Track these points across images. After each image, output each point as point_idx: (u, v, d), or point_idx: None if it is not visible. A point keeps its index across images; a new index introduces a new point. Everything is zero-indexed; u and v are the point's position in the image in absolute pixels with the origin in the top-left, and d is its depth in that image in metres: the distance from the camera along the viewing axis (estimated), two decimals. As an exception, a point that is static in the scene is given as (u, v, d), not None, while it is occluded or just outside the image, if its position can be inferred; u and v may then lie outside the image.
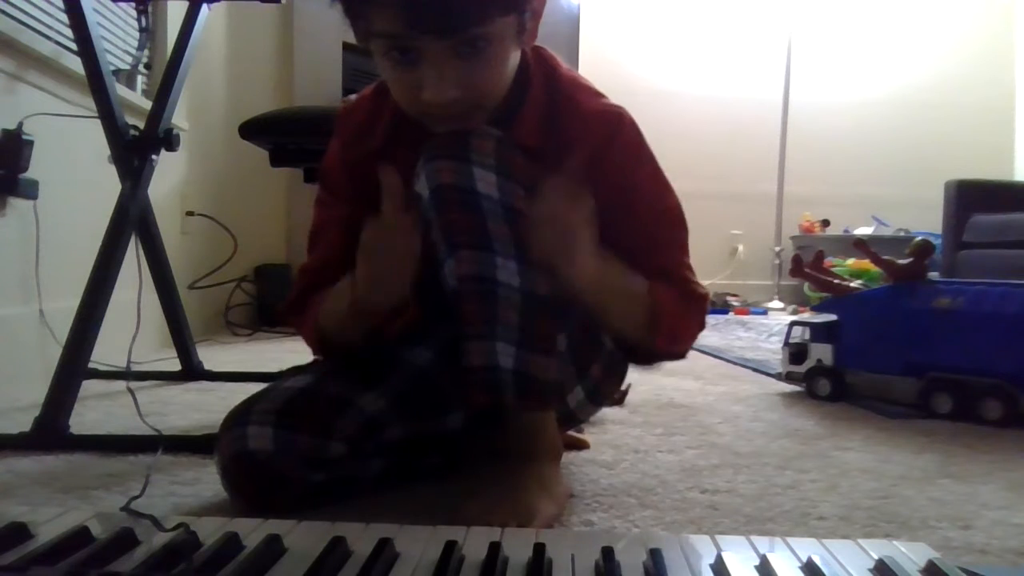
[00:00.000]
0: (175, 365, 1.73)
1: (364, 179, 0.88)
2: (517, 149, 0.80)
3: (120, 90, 1.57)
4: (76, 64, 1.47)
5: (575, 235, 0.77)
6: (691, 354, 0.85)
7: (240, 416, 0.84)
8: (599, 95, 0.88)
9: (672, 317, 0.87)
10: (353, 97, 0.96)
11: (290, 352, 1.88)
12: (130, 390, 0.97)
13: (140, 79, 2.08)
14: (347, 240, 0.90)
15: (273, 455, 0.81)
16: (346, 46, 2.98)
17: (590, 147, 0.83)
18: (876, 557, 0.55)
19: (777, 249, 4.36)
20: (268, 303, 2.89)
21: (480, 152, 0.76)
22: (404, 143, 0.82)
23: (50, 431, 1.13)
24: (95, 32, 1.34)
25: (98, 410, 1.36)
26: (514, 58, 0.79)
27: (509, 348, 0.77)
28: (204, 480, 0.95)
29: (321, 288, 0.92)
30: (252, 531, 0.58)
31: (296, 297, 0.95)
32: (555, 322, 0.82)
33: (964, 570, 0.53)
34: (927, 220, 3.71)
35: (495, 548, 0.55)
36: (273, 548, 0.55)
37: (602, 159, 0.84)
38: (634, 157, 0.86)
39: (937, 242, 2.67)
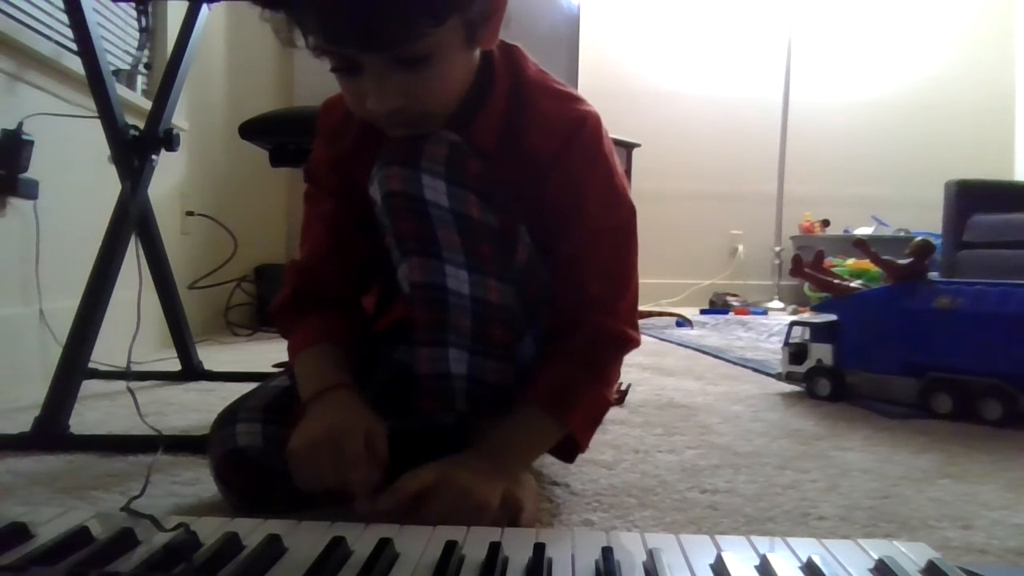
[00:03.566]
0: (175, 365, 1.73)
1: (345, 176, 0.89)
2: (473, 154, 0.78)
3: (120, 90, 1.57)
4: (76, 64, 1.47)
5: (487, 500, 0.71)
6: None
7: (229, 416, 0.85)
8: (567, 99, 0.85)
9: (589, 410, 0.84)
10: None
11: (290, 352, 1.87)
12: (130, 390, 0.97)
13: (140, 79, 2.08)
14: (334, 235, 0.90)
15: (263, 451, 0.81)
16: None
17: (544, 155, 0.82)
18: (876, 557, 0.55)
19: (777, 249, 4.37)
20: (268, 303, 2.88)
21: (431, 159, 0.75)
22: (374, 146, 0.81)
23: (50, 431, 1.13)
24: (95, 32, 1.34)
25: (98, 410, 1.36)
26: (465, 64, 0.77)
27: (462, 354, 0.77)
28: (204, 480, 0.94)
29: (312, 289, 0.91)
30: (252, 531, 0.58)
31: (288, 300, 0.93)
32: (512, 329, 0.81)
33: (964, 570, 0.53)
34: (927, 220, 3.72)
35: (495, 548, 0.55)
36: (273, 548, 0.55)
37: (556, 164, 0.82)
38: (588, 163, 0.83)
39: (937, 242, 2.67)
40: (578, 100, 0.86)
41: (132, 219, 1.34)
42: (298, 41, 0.72)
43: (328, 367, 0.83)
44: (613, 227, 0.86)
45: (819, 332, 1.60)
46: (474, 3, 0.70)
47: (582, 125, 0.83)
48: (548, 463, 1.04)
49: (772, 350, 2.32)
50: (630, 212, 0.87)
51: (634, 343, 0.88)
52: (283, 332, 0.94)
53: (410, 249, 0.77)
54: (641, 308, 1.10)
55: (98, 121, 1.39)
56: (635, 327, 0.88)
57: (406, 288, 0.78)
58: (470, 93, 0.80)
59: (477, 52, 0.79)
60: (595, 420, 0.86)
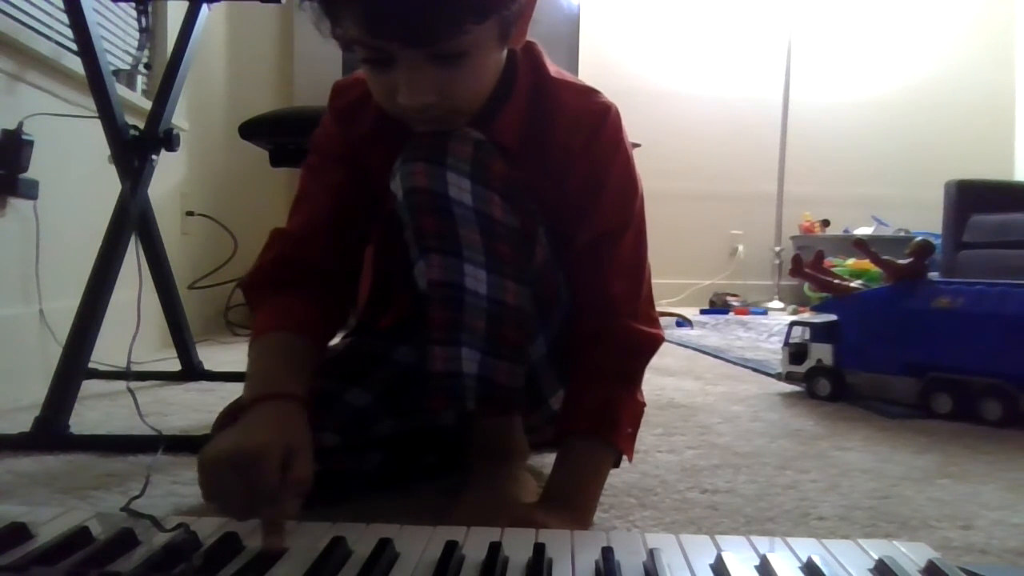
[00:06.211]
0: (175, 365, 1.73)
1: (356, 159, 0.87)
2: (497, 153, 0.78)
3: (120, 90, 1.57)
4: (76, 64, 1.47)
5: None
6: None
7: (231, 415, 0.84)
8: (586, 92, 0.86)
9: (630, 421, 0.84)
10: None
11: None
12: (130, 390, 0.97)
13: (140, 79, 2.08)
14: (336, 208, 0.86)
15: None
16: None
17: (571, 149, 0.82)
18: (876, 557, 0.55)
19: (777, 249, 4.36)
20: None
21: (456, 157, 0.75)
22: (390, 135, 0.80)
23: (50, 431, 1.13)
24: (95, 32, 1.34)
25: (98, 410, 1.36)
26: (496, 62, 0.77)
27: (474, 354, 0.76)
28: (204, 480, 0.94)
29: (297, 258, 0.84)
30: (252, 531, 0.58)
31: (267, 268, 0.85)
32: (525, 331, 0.81)
33: (964, 570, 0.53)
34: (927, 220, 3.71)
35: (495, 548, 0.55)
36: (273, 548, 0.55)
37: (581, 156, 0.82)
38: (611, 153, 0.84)
39: (937, 242, 2.67)
40: (597, 93, 0.87)
41: (132, 219, 1.34)
42: (325, 31, 0.70)
43: (280, 367, 0.75)
44: (631, 220, 0.86)
45: (819, 332, 1.60)
46: (515, 1, 0.71)
47: (606, 117, 0.84)
48: (548, 463, 1.04)
49: (772, 350, 2.32)
50: (642, 201, 0.87)
51: (660, 341, 0.87)
52: (253, 305, 0.84)
53: (431, 246, 0.76)
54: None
55: (98, 121, 1.38)
56: (656, 323, 0.88)
57: (423, 285, 0.78)
58: (494, 90, 0.79)
59: (505, 50, 0.78)
60: (636, 427, 0.86)
